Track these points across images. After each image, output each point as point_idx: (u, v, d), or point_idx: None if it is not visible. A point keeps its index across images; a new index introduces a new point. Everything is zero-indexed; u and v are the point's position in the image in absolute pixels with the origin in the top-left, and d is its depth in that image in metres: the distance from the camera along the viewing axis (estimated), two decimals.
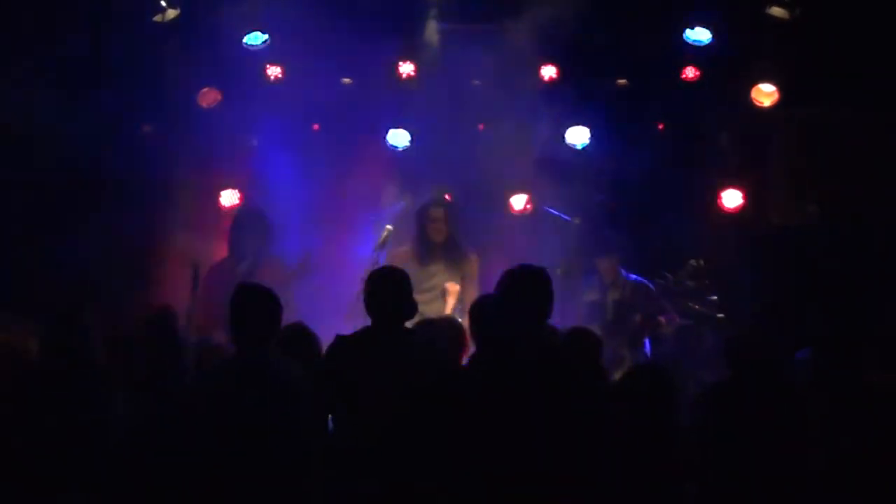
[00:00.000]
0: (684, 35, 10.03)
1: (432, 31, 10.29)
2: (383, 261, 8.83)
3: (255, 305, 5.91)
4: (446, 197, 9.41)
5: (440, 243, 9.14)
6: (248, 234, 9.20)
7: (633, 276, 9.50)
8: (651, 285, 9.42)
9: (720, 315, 9.32)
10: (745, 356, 6.37)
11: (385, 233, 9.18)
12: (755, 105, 10.00)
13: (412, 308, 6.06)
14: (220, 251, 9.59)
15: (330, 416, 5.88)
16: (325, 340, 6.36)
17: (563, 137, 10.40)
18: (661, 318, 9.15)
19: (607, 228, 9.74)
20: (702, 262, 9.08)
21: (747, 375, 6.31)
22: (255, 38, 10.25)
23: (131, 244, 9.79)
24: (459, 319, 7.54)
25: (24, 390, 5.98)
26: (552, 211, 9.85)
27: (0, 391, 5.99)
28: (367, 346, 5.90)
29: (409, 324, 6.21)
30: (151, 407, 5.93)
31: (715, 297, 9.33)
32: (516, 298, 5.65)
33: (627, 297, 9.36)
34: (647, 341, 9.15)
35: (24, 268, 9.41)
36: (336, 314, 8.76)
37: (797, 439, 6.14)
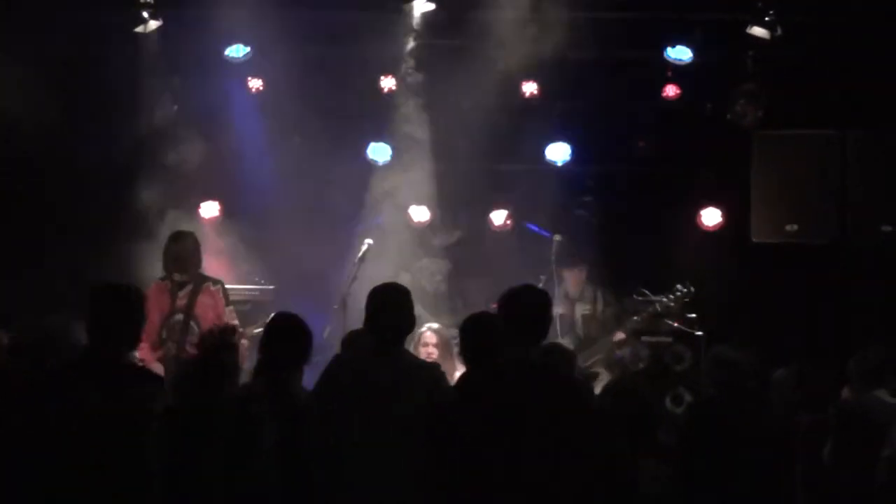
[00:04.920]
0: (665, 53, 10.04)
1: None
2: (360, 274, 8.89)
3: (286, 335, 5.95)
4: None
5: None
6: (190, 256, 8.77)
7: (604, 292, 9.49)
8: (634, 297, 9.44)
9: (699, 333, 9.33)
10: (728, 376, 6.37)
11: (364, 246, 9.19)
12: (735, 123, 10.03)
13: (411, 324, 6.03)
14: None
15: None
16: None
17: (544, 154, 10.42)
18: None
19: (574, 241, 9.71)
20: (691, 287, 9.05)
21: (731, 395, 6.31)
22: (237, 51, 10.23)
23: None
24: None
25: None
26: (532, 227, 9.84)
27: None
28: (365, 368, 5.84)
29: None
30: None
31: (694, 315, 9.34)
32: (519, 317, 5.62)
33: (598, 312, 9.35)
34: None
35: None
36: (316, 329, 8.73)
37: (781, 457, 6.13)
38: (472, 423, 5.42)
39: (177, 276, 8.64)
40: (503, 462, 5.32)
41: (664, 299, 9.06)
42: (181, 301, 8.58)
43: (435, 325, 8.77)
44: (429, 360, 8.60)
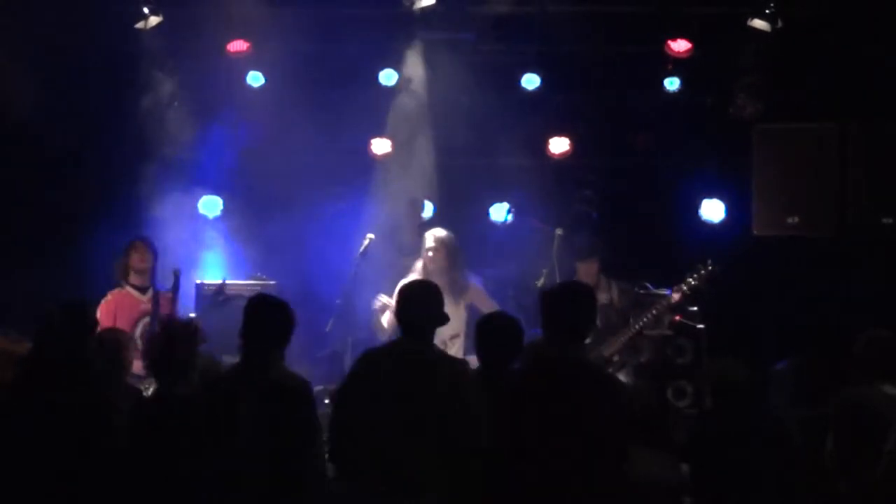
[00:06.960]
0: (665, 46, 10.03)
1: None
2: (362, 269, 8.95)
3: (268, 315, 5.97)
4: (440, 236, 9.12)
5: (437, 277, 8.77)
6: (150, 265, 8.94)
7: (617, 281, 9.49)
8: (636, 290, 9.42)
9: (700, 326, 9.33)
10: (726, 389, 6.37)
11: (366, 241, 9.20)
12: (736, 116, 10.02)
13: (442, 320, 6.01)
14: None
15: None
16: (308, 347, 6.35)
17: (545, 147, 10.42)
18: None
19: (586, 233, 9.70)
20: (713, 266, 9.02)
21: (730, 406, 6.32)
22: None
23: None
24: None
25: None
26: (533, 221, 9.84)
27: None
28: (393, 358, 5.86)
29: None
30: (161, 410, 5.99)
31: (696, 308, 9.33)
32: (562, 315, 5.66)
33: (616, 300, 9.36)
34: None
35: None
36: (319, 323, 8.77)
37: (782, 455, 6.14)
38: (518, 418, 5.49)
39: (136, 282, 8.80)
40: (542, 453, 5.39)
41: (689, 279, 9.03)
42: (146, 305, 8.73)
43: (441, 233, 8.96)
44: (432, 264, 8.77)
